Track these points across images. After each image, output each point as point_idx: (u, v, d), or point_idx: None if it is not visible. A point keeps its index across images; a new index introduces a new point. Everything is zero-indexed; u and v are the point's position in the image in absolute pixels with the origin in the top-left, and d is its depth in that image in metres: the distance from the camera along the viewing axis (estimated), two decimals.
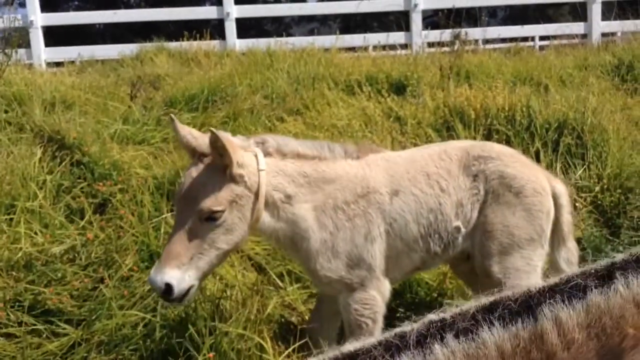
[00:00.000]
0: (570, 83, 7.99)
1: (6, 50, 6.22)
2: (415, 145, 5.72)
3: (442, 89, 6.77)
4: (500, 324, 1.18)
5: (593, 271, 1.28)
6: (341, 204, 3.12)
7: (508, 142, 5.53)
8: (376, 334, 3.21)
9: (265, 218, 3.05)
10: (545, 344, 1.18)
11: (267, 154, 3.02)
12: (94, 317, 3.75)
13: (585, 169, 5.16)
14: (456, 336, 1.15)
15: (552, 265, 3.58)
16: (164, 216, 4.34)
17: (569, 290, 1.23)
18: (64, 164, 4.87)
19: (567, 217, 3.48)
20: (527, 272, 3.30)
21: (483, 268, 3.34)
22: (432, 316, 1.20)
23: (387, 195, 3.21)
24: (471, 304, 1.23)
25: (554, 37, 12.63)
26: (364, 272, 3.16)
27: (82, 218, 4.44)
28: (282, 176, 3.03)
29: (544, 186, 3.36)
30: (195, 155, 2.92)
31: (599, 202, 4.92)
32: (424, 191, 3.26)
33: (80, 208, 4.51)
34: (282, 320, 3.96)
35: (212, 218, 2.86)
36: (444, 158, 3.36)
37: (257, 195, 2.93)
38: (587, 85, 7.81)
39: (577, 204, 4.92)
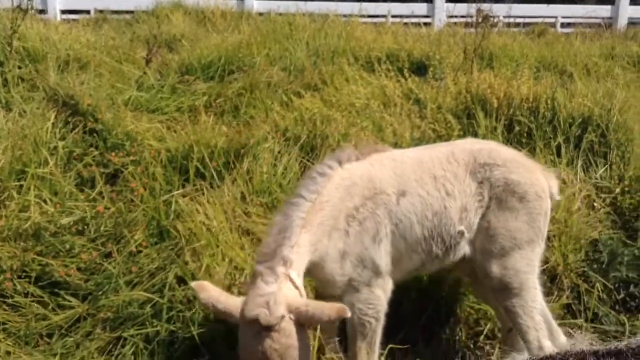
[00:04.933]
0: (595, 72, 7.80)
1: (22, 5, 6.06)
2: (434, 130, 5.60)
3: (465, 72, 6.60)
4: None
5: None
6: (351, 211, 3.10)
7: (530, 135, 5.40)
8: (378, 333, 3.25)
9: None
10: None
11: (290, 262, 2.86)
12: (100, 292, 3.72)
13: (606, 169, 5.03)
14: None
15: None
16: (176, 192, 4.26)
17: None
18: (76, 130, 4.78)
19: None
20: (526, 272, 3.40)
21: (483, 269, 3.39)
22: None
23: (394, 196, 3.19)
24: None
25: (578, 22, 12.35)
26: (371, 272, 3.16)
27: (92, 188, 4.37)
28: (306, 256, 2.97)
29: (544, 189, 3.44)
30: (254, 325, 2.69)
31: (618, 203, 4.80)
32: (431, 193, 3.25)
33: (92, 177, 4.44)
34: None
35: None
36: (451, 161, 3.35)
37: None
38: (613, 76, 7.63)
39: (595, 204, 4.81)
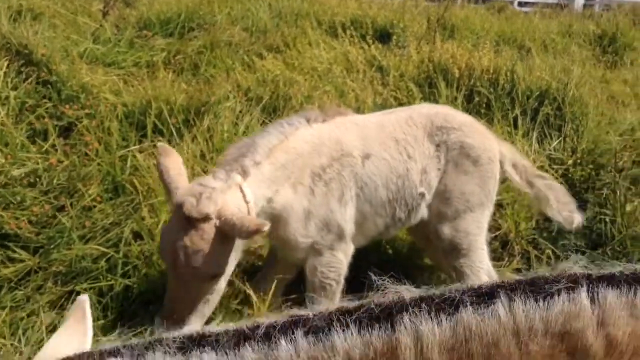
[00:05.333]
0: (553, 49, 7.94)
1: None
2: (396, 98, 5.62)
3: (428, 42, 6.62)
4: (356, 329, 1.00)
5: (475, 287, 1.04)
6: (318, 169, 3.05)
7: (488, 106, 5.48)
8: (337, 295, 3.25)
9: None
10: (397, 359, 0.99)
11: (247, 175, 2.80)
12: (52, 246, 3.62)
13: (560, 141, 5.15)
14: (307, 334, 1.00)
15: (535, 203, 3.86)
16: (132, 148, 4.17)
17: (440, 303, 1.02)
18: (29, 81, 4.60)
19: (514, 176, 3.66)
20: (475, 234, 3.47)
21: (436, 231, 3.45)
22: (295, 311, 1.08)
23: (360, 159, 3.17)
24: (335, 305, 1.07)
25: (537, 1, 12.51)
26: (335, 236, 3.14)
27: (45, 140, 4.24)
28: (263, 185, 2.87)
29: (495, 154, 3.51)
30: (179, 210, 2.58)
31: (570, 175, 4.93)
32: (394, 157, 3.26)
33: (44, 130, 4.30)
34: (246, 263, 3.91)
35: (214, 279, 2.74)
36: (411, 125, 3.36)
37: None
38: (569, 53, 7.79)
39: (548, 175, 4.92)
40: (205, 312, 2.85)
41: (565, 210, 3.75)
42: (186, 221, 2.54)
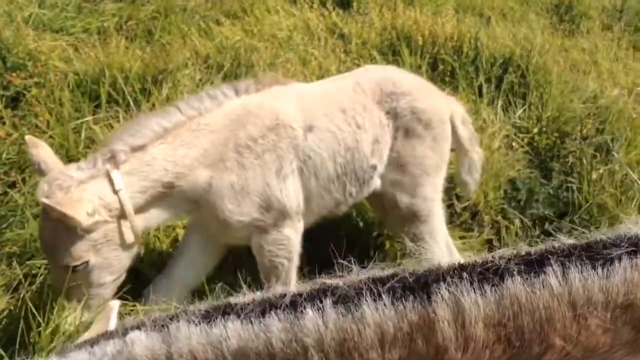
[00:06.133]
0: (511, 17, 7.92)
1: None
2: (358, 66, 5.47)
3: (389, 8, 6.48)
4: (389, 300, 0.89)
5: (523, 254, 0.92)
6: (245, 141, 2.82)
7: (453, 75, 5.40)
8: (292, 274, 3.08)
9: (154, 215, 2.75)
10: (435, 334, 0.87)
11: (123, 162, 2.59)
12: (4, 225, 3.38)
13: (525, 109, 5.12)
14: (336, 304, 0.91)
15: (457, 176, 3.80)
16: (85, 119, 3.92)
17: (483, 272, 0.90)
18: None
19: (463, 132, 3.58)
20: (433, 198, 3.40)
21: (393, 200, 3.33)
22: (326, 281, 0.98)
23: (301, 130, 2.95)
24: (366, 273, 0.96)
25: None
26: (277, 213, 2.92)
27: None
28: (153, 170, 2.65)
29: (446, 113, 3.44)
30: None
31: (535, 143, 4.92)
32: (341, 128, 3.07)
33: None
34: None
35: (76, 270, 2.56)
36: (359, 92, 3.20)
37: (123, 216, 2.60)
38: (527, 21, 7.78)
39: (514, 144, 4.91)
40: (94, 303, 2.66)
41: (472, 178, 3.78)
42: (44, 211, 2.47)
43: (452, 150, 3.63)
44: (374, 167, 3.22)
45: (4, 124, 3.85)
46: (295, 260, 3.09)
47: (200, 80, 4.49)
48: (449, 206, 4.31)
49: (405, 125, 3.25)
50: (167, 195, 2.73)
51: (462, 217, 4.30)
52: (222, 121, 2.80)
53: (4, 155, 3.63)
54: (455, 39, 5.56)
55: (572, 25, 8.05)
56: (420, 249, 3.29)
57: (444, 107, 3.43)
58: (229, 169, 2.79)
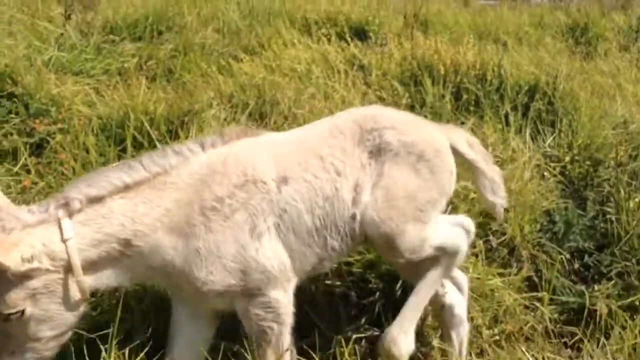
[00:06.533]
0: (527, 41, 7.87)
1: None
2: (380, 98, 5.41)
3: (406, 37, 6.43)
4: None
5: None
6: (212, 202, 2.62)
7: (477, 104, 5.32)
8: (284, 338, 2.81)
9: (107, 275, 2.56)
10: None
11: (77, 211, 2.44)
12: None
13: (555, 137, 5.02)
14: None
15: (484, 203, 3.44)
16: (112, 165, 3.83)
17: None
18: None
19: (472, 154, 3.26)
20: (431, 235, 3.03)
21: (383, 239, 2.94)
22: None
23: (274, 184, 2.74)
24: None
25: None
26: (258, 274, 2.69)
27: (15, 160, 3.87)
28: (108, 223, 2.49)
29: (442, 144, 3.13)
30: None
31: (567, 172, 4.80)
32: (318, 176, 2.84)
33: (14, 148, 3.93)
34: None
35: (10, 319, 2.40)
36: (336, 135, 2.95)
37: (70, 269, 2.43)
38: (544, 45, 7.73)
39: (545, 173, 4.79)
40: (28, 357, 2.48)
41: (499, 197, 3.39)
42: None
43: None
44: (354, 217, 2.90)
45: (28, 172, 3.77)
46: (288, 323, 2.81)
47: (224, 119, 4.41)
48: (485, 242, 4.20)
49: (394, 160, 2.97)
50: (124, 255, 2.54)
51: (499, 252, 4.18)
52: (187, 180, 2.63)
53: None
54: (477, 67, 5.49)
55: (588, 48, 7.99)
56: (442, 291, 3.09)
57: (437, 137, 3.13)
58: (195, 234, 2.60)
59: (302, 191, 2.79)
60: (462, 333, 3.33)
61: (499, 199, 3.38)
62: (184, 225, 2.58)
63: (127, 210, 2.51)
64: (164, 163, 2.61)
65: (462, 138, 3.28)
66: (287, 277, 2.78)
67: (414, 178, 2.98)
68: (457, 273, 3.45)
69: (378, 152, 2.96)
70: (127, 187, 2.53)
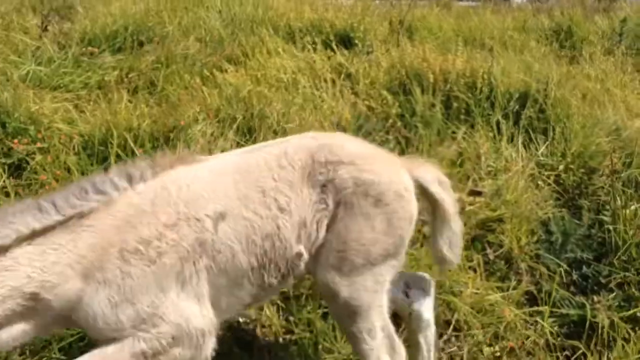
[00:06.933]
0: (512, 46, 7.80)
1: None
2: (370, 108, 5.29)
3: (393, 44, 6.33)
4: None
5: None
6: (135, 245, 2.38)
7: (468, 112, 5.23)
8: None
9: (14, 333, 2.31)
10: None
11: None
12: None
13: (547, 146, 4.94)
14: None
15: (434, 251, 3.08)
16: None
17: None
18: None
19: (442, 195, 2.95)
20: (375, 290, 2.78)
21: (328, 290, 2.75)
22: None
23: (210, 221, 2.50)
24: None
25: None
26: (170, 327, 2.43)
27: None
28: (12, 276, 2.23)
29: (406, 186, 2.82)
30: None
31: (562, 181, 4.73)
32: (259, 213, 2.59)
33: None
34: None
35: None
36: (285, 165, 2.68)
37: None
38: (529, 49, 7.66)
39: (539, 182, 4.71)
40: None
41: (454, 254, 3.07)
42: None
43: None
44: (299, 255, 2.69)
45: (7, 195, 3.60)
46: None
47: (211, 134, 4.26)
48: (483, 255, 4.11)
49: (347, 200, 2.68)
50: (30, 310, 2.29)
51: (497, 265, 4.08)
52: (107, 221, 2.38)
53: None
54: (467, 74, 5.40)
55: (573, 51, 7.95)
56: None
57: (400, 177, 2.82)
58: (108, 280, 2.34)
59: (239, 229, 2.54)
60: (429, 337, 3.18)
61: (453, 256, 3.05)
62: (95, 272, 2.32)
63: (34, 259, 2.26)
64: (81, 205, 2.35)
65: (433, 175, 2.97)
66: (208, 321, 2.52)
67: (369, 228, 2.71)
68: (420, 275, 3.28)
69: (332, 188, 2.68)
70: (34, 234, 2.26)
